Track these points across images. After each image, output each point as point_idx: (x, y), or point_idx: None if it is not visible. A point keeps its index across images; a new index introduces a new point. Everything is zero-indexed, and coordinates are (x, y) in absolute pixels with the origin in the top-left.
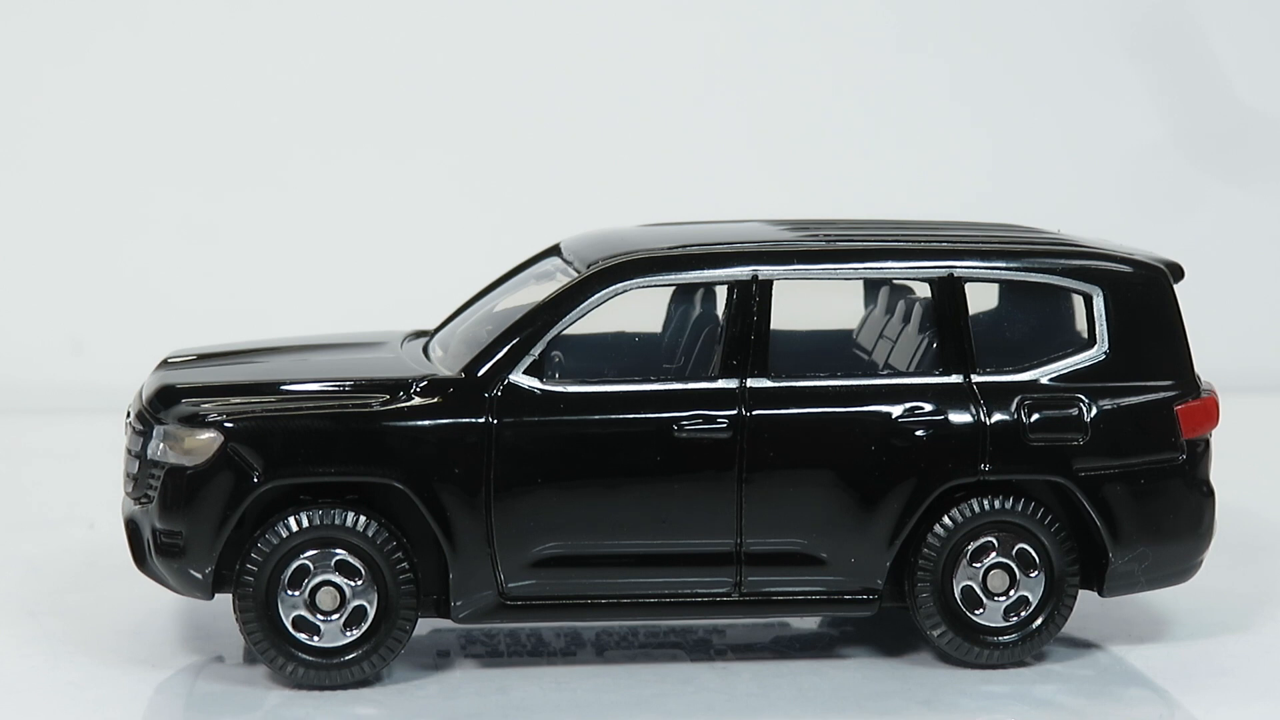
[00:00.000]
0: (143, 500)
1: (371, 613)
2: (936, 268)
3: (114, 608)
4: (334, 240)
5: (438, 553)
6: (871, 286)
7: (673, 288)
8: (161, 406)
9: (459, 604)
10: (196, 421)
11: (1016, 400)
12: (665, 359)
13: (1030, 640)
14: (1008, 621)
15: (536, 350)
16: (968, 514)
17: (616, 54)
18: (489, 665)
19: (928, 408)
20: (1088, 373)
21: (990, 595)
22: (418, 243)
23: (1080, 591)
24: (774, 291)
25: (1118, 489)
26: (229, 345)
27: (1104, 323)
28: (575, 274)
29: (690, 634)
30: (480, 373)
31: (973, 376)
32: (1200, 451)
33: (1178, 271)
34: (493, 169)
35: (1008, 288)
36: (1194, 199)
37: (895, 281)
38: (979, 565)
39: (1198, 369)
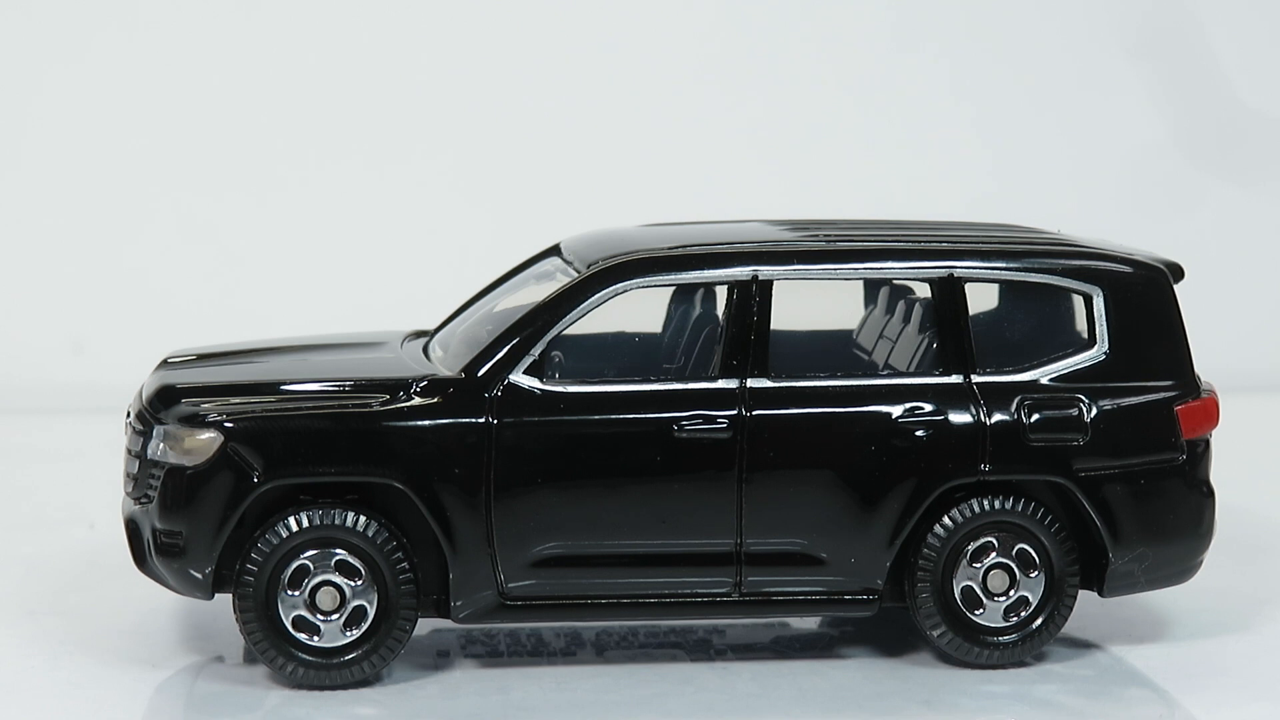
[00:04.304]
0: (143, 500)
1: (371, 613)
2: (936, 268)
3: (114, 608)
4: (334, 240)
5: (438, 553)
6: (871, 286)
7: (673, 288)
8: (161, 406)
9: (459, 604)
10: (196, 421)
11: (1016, 400)
12: (665, 359)
13: (1030, 640)
14: (1008, 621)
15: (536, 350)
16: (968, 514)
17: (616, 54)
18: (489, 665)
19: (928, 408)
20: (1088, 373)
21: (990, 595)
22: (418, 243)
23: (1080, 591)
24: (774, 291)
25: (1118, 489)
26: (229, 345)
27: (1104, 323)
28: (575, 274)
29: (690, 634)
30: (480, 373)
31: (973, 376)
32: (1200, 451)
33: (1178, 271)
34: (492, 169)
35: (1008, 288)
36: (1194, 199)
37: (895, 281)
38: (979, 565)
39: (1198, 369)
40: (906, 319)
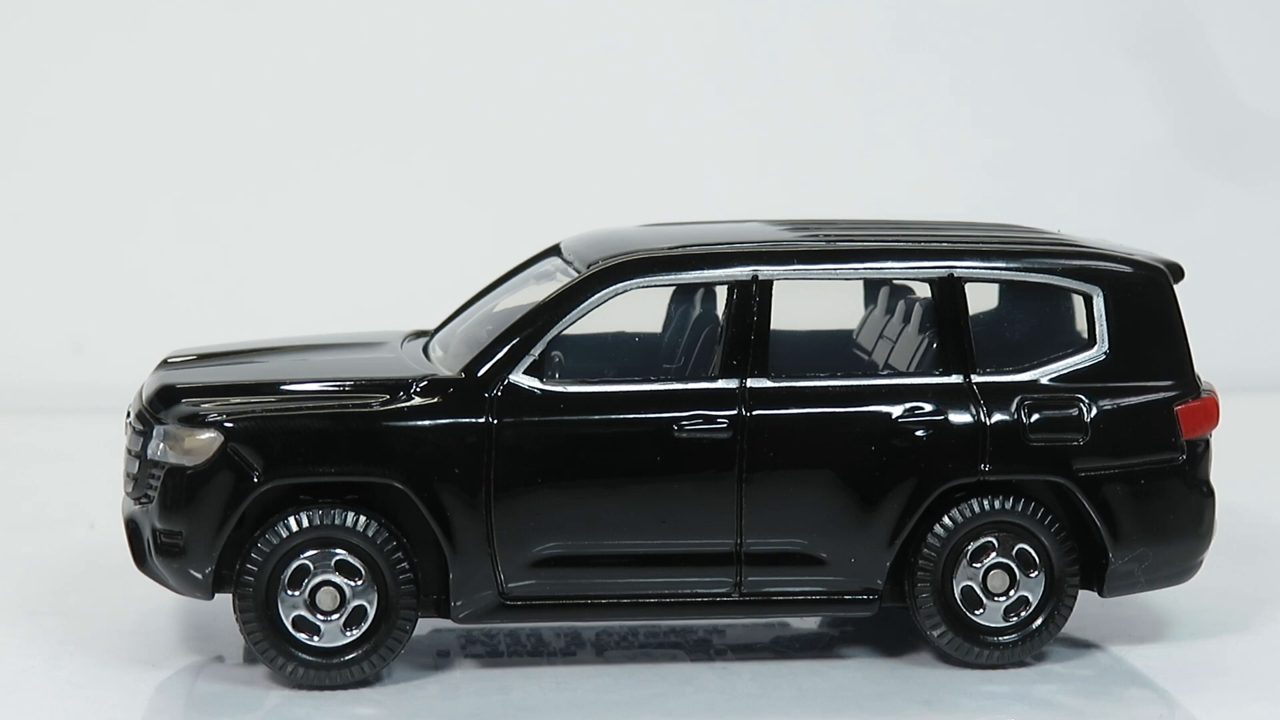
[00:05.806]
0: (143, 500)
1: (371, 613)
2: (936, 268)
3: (114, 608)
4: (334, 240)
5: (438, 553)
6: (871, 286)
7: (673, 288)
8: (161, 406)
9: (459, 604)
10: (196, 421)
11: (1016, 400)
12: (665, 359)
13: (1030, 640)
14: (1008, 621)
15: (536, 350)
16: (968, 514)
17: (616, 54)
18: (489, 665)
19: (928, 408)
20: (1088, 373)
21: (990, 595)
22: (418, 243)
23: (1080, 591)
24: (774, 291)
25: (1118, 489)
26: (229, 345)
27: (1104, 323)
28: (575, 274)
29: (690, 634)
30: (480, 373)
31: (973, 376)
32: (1200, 451)
33: (1178, 271)
34: (493, 169)
35: (1008, 288)
36: (1194, 199)
37: (895, 281)
38: (979, 565)
39: (1198, 369)
40: (906, 319)
